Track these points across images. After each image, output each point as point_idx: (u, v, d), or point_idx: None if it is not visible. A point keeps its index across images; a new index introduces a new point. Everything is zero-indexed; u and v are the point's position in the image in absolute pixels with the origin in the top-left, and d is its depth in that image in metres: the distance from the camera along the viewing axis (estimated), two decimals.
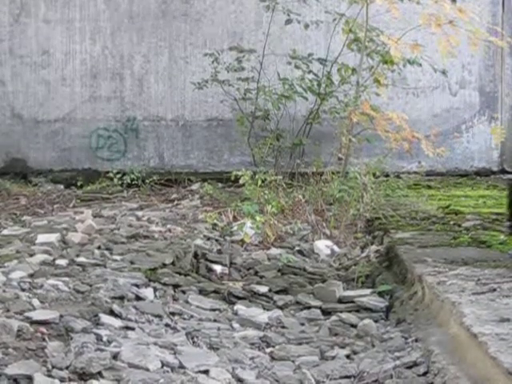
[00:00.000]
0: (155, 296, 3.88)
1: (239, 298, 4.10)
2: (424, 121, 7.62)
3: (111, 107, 7.98)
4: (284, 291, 4.27)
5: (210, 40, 7.84)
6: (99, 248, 4.68)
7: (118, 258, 4.47)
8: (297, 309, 4.01)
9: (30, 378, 2.71)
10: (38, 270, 4.07)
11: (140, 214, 6.00)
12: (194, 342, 3.34)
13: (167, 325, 3.52)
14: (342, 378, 3.11)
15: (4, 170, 7.96)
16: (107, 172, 7.73)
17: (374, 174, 5.95)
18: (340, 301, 4.08)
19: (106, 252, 4.59)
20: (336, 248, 5.07)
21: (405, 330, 3.55)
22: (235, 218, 5.70)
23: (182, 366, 3.03)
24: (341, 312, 3.90)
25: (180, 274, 4.33)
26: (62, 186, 7.75)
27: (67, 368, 2.83)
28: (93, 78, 7.98)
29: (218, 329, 3.55)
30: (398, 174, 7.15)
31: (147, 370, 2.92)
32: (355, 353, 3.36)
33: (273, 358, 3.31)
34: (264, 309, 3.98)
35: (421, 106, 7.76)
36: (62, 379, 2.75)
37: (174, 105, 7.94)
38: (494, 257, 3.95)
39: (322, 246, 5.06)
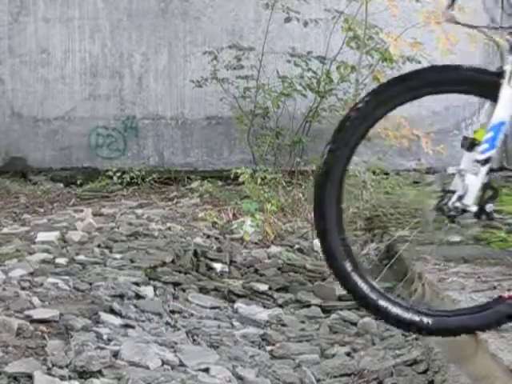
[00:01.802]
0: (155, 294, 3.88)
1: (239, 296, 4.10)
2: (423, 118, 7.61)
3: (110, 106, 7.97)
4: (284, 289, 4.27)
5: (210, 38, 7.84)
6: (99, 246, 4.68)
7: (117, 256, 4.47)
8: (297, 307, 4.01)
9: (29, 377, 2.71)
10: (37, 269, 4.07)
11: (140, 212, 6.00)
12: (194, 340, 3.34)
13: (167, 323, 3.52)
14: (342, 375, 3.11)
15: (3, 169, 7.95)
16: (107, 170, 7.72)
17: (373, 172, 5.95)
18: (340, 299, 4.08)
19: (106, 250, 4.59)
20: None
21: None
22: (235, 216, 5.69)
23: (182, 364, 3.03)
24: (341, 310, 3.91)
25: (180, 272, 4.33)
26: (61, 185, 7.75)
27: (67, 366, 2.83)
28: (92, 77, 7.97)
29: (218, 327, 3.55)
30: (397, 172, 7.14)
31: (147, 368, 2.92)
32: (355, 350, 3.37)
33: (273, 356, 3.31)
34: (264, 307, 3.98)
35: (420, 103, 7.73)
36: (62, 377, 2.75)
37: (173, 103, 7.93)
38: (494, 254, 3.95)
39: None
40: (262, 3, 7.28)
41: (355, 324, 3.71)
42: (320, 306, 3.98)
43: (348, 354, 3.33)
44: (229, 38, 7.71)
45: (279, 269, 4.58)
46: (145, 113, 7.96)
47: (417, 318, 2.84)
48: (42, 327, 3.13)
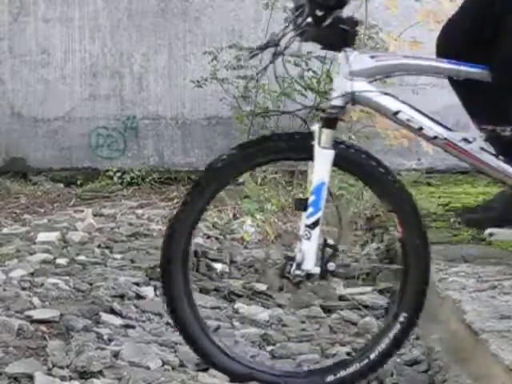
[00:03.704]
0: (156, 294, 3.88)
1: (239, 296, 4.10)
2: None
3: (110, 106, 7.97)
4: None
5: (210, 38, 7.83)
6: (99, 247, 4.68)
7: (118, 256, 4.47)
8: (297, 307, 4.01)
9: (30, 377, 2.72)
10: (38, 269, 4.07)
11: (140, 212, 6.00)
12: None
13: (168, 323, 3.52)
14: None
15: (4, 169, 7.95)
16: (107, 171, 7.72)
17: None
18: (340, 298, 4.08)
19: (106, 251, 4.59)
20: None
21: None
22: (235, 216, 5.69)
23: (182, 365, 3.03)
24: (341, 310, 3.90)
25: None
26: (61, 185, 7.75)
27: (68, 367, 2.83)
28: (92, 77, 7.97)
29: (219, 327, 3.55)
30: (397, 172, 7.14)
31: (148, 368, 2.93)
32: (356, 350, 3.37)
33: (273, 356, 3.31)
34: (264, 307, 3.98)
35: (420, 103, 7.70)
36: (62, 378, 2.75)
37: (173, 103, 7.93)
38: (494, 254, 3.95)
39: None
40: (262, 3, 7.27)
41: (356, 324, 3.71)
42: (320, 306, 3.98)
43: (349, 354, 3.33)
44: (229, 38, 7.71)
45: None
46: (145, 113, 7.96)
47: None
48: (43, 327, 3.13)
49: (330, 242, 2.89)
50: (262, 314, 3.81)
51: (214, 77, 7.34)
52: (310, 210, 2.86)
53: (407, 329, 2.91)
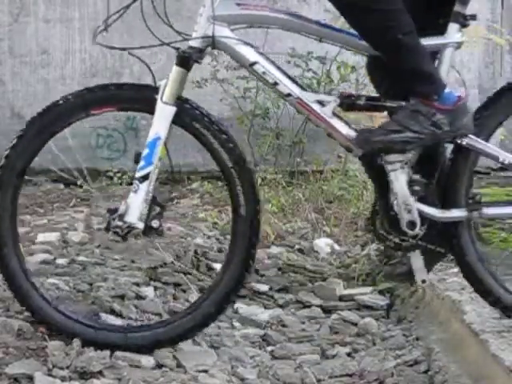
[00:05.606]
0: (155, 295, 3.88)
1: (240, 297, 4.09)
2: None
3: None
4: (284, 290, 4.27)
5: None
6: (99, 247, 4.68)
7: (118, 256, 4.46)
8: (297, 307, 4.01)
9: (30, 378, 2.72)
10: (38, 269, 4.07)
11: None
12: (194, 341, 3.34)
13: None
14: (342, 376, 3.12)
15: None
16: (107, 171, 7.71)
17: None
18: (341, 299, 4.08)
19: (106, 251, 4.59)
20: (336, 246, 5.07)
21: (406, 328, 3.55)
22: None
23: (179, 365, 3.04)
24: (341, 310, 3.91)
25: (180, 272, 4.33)
26: (61, 185, 7.75)
27: (68, 367, 2.84)
28: (92, 77, 7.97)
29: (219, 327, 3.55)
30: None
31: (146, 368, 2.93)
32: (356, 351, 3.37)
33: (274, 357, 3.32)
34: (264, 307, 3.98)
35: None
36: (62, 378, 2.76)
37: None
38: (494, 254, 3.95)
39: (322, 244, 5.06)
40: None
41: (356, 324, 3.71)
42: (320, 307, 3.98)
43: (349, 355, 3.34)
44: None
45: (279, 269, 4.57)
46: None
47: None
48: (43, 328, 3.13)
49: (159, 199, 2.91)
50: (262, 315, 3.81)
51: (214, 77, 7.34)
52: (142, 163, 2.91)
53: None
